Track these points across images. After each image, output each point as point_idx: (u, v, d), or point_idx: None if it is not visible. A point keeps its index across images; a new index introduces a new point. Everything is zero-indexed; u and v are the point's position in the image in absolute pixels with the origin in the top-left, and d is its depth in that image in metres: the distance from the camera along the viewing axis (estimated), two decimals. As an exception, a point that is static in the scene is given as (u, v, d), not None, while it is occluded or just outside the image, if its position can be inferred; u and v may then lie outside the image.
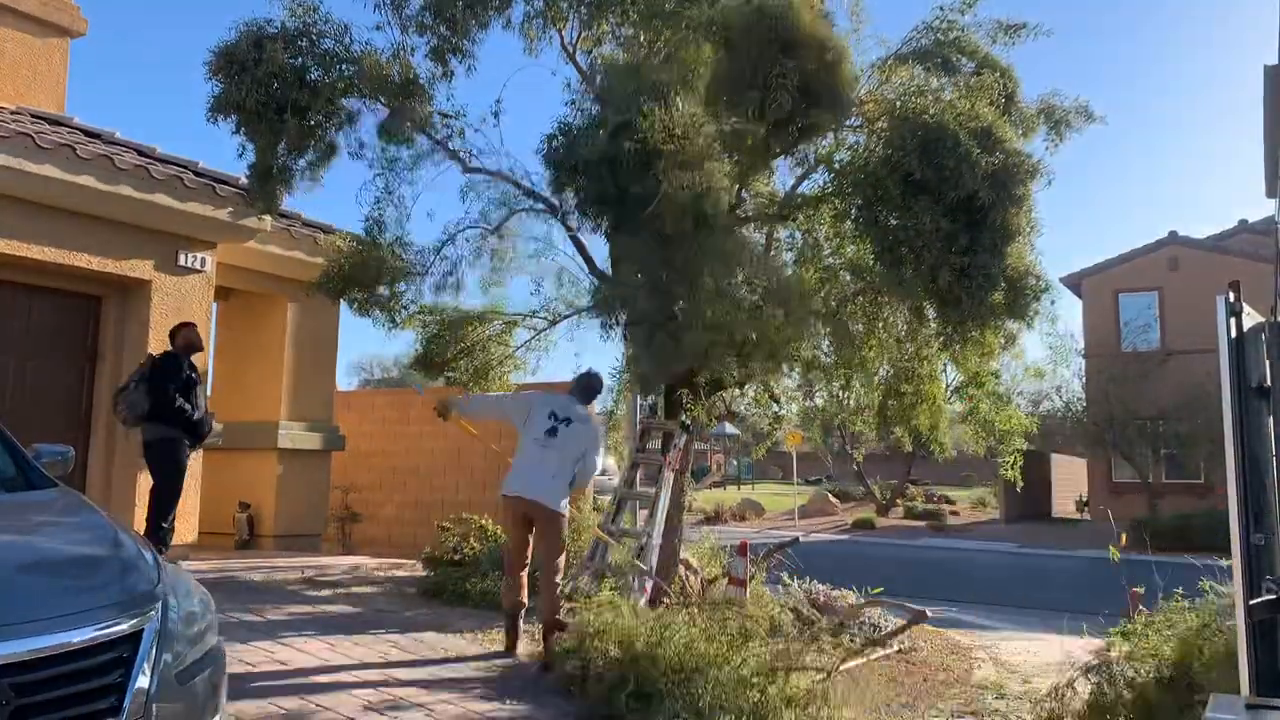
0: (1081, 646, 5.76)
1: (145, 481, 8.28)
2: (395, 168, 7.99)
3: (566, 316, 8.53)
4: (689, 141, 6.00)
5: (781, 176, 8.67)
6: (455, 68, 7.83)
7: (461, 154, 8.01)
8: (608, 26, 7.26)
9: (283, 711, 4.44)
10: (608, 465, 21.08)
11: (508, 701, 4.94)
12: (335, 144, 7.85)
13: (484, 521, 8.54)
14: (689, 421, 8.01)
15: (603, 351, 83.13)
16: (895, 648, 7.20)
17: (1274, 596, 3.28)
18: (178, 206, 8.24)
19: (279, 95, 7.18)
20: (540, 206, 8.45)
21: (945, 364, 9.14)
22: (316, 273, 8.43)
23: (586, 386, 6.44)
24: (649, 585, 7.34)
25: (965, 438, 9.33)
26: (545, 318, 8.57)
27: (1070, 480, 30.95)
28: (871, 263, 7.00)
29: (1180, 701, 4.44)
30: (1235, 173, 75.27)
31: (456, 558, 8.10)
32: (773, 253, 8.64)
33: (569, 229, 8.40)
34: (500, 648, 6.01)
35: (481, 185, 8.53)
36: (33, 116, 8.22)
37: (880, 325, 7.86)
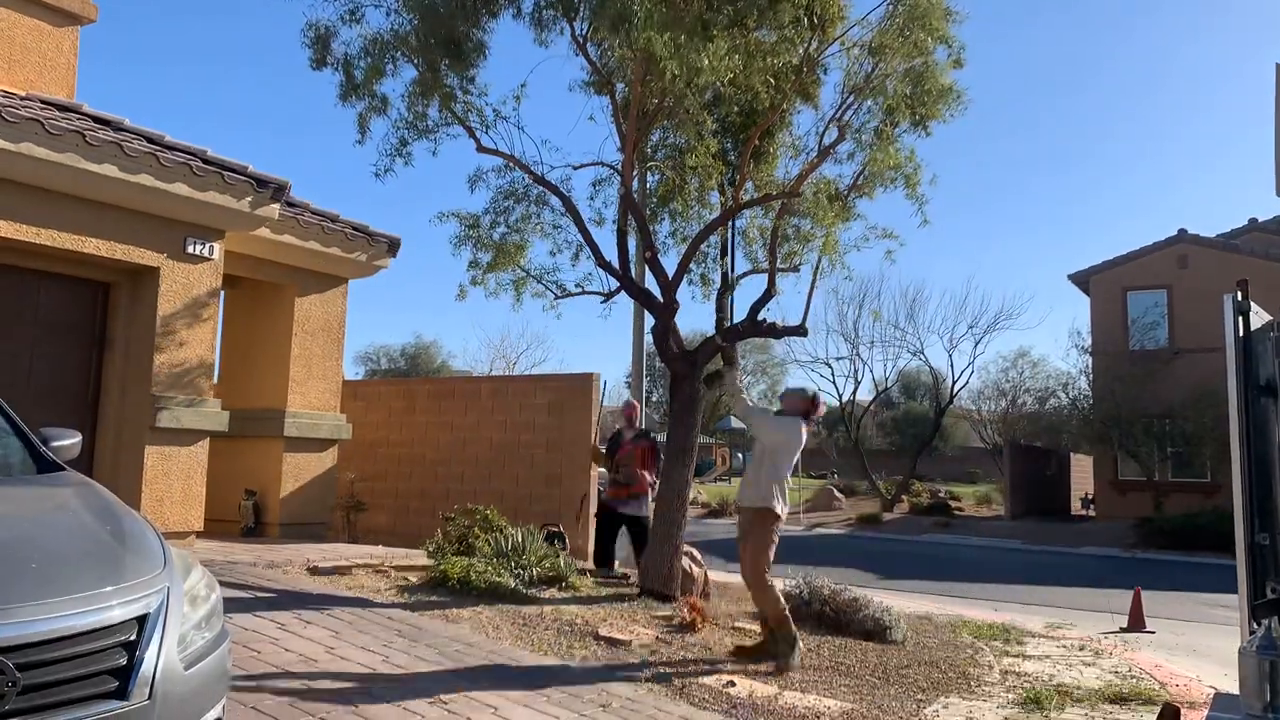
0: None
1: (150, 466, 8.33)
2: (420, 125, 8.07)
3: (568, 295, 8.72)
4: None
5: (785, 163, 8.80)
6: (468, 55, 7.88)
7: (477, 131, 8.07)
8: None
9: (286, 698, 4.47)
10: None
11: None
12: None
13: (489, 512, 8.56)
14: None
15: (604, 342, 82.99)
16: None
17: (1277, 598, 3.27)
18: (194, 195, 8.27)
19: None
20: (556, 202, 8.52)
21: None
22: (325, 262, 8.46)
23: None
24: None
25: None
26: (551, 301, 8.72)
27: (1086, 478, 30.93)
28: None
29: None
30: (1246, 171, 74.87)
31: (461, 547, 8.12)
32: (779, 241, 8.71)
33: (577, 218, 8.45)
34: (497, 636, 6.03)
35: (491, 175, 8.60)
36: (42, 103, 8.24)
37: None
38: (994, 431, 35.71)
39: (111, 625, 2.66)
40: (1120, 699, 6.01)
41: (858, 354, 30.48)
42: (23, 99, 8.08)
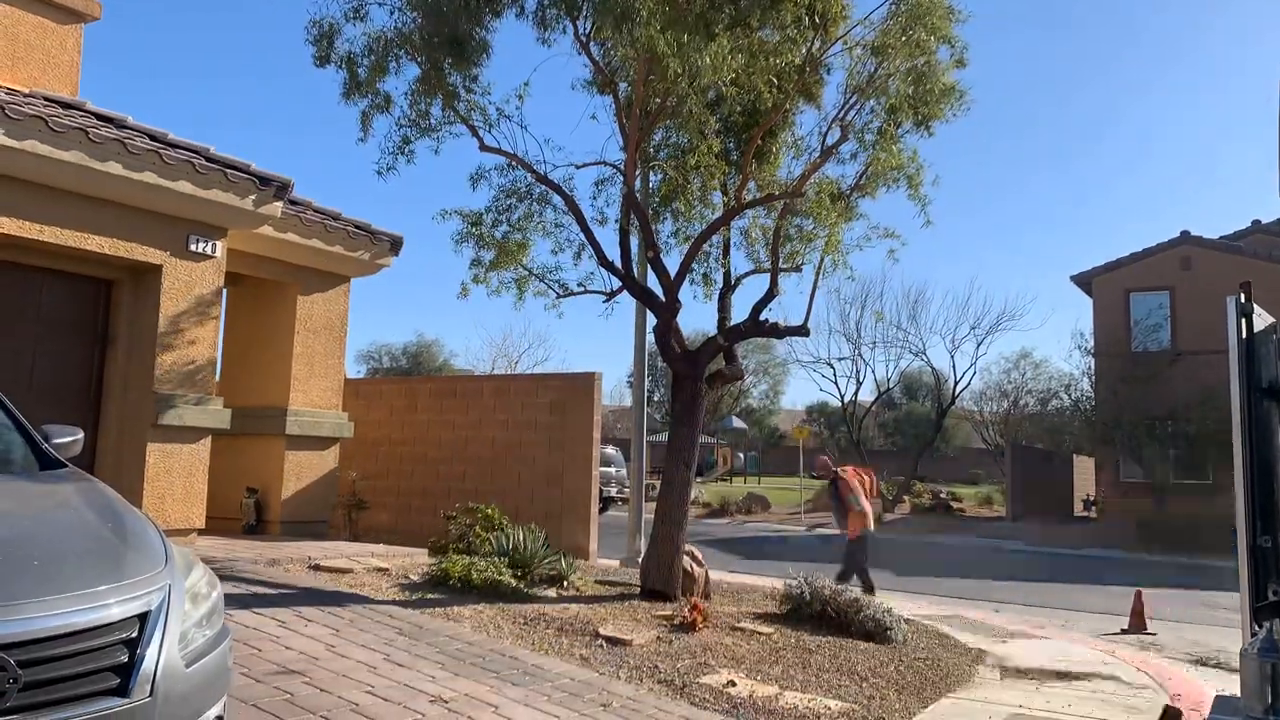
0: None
1: (152, 464, 8.34)
2: (423, 123, 8.08)
3: (570, 294, 8.73)
4: None
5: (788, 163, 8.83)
6: (472, 54, 7.90)
7: (480, 129, 8.08)
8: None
9: (286, 695, 4.47)
10: (611, 455, 21.50)
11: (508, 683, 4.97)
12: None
13: (490, 510, 8.56)
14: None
15: (605, 342, 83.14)
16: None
17: (1278, 600, 3.27)
18: (197, 193, 8.27)
19: None
20: (558, 200, 8.52)
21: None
22: (328, 260, 8.47)
23: None
24: None
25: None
26: (553, 300, 8.73)
27: (1088, 480, 30.98)
28: None
29: None
30: (1249, 172, 74.77)
31: (462, 546, 8.13)
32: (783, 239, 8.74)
33: (579, 217, 8.46)
34: (483, 634, 6.04)
35: (493, 173, 8.61)
36: (46, 100, 8.24)
37: None
38: (996, 433, 35.71)
39: (112, 623, 2.66)
40: (1120, 700, 6.00)
41: (859, 354, 30.54)
42: (26, 96, 8.08)
